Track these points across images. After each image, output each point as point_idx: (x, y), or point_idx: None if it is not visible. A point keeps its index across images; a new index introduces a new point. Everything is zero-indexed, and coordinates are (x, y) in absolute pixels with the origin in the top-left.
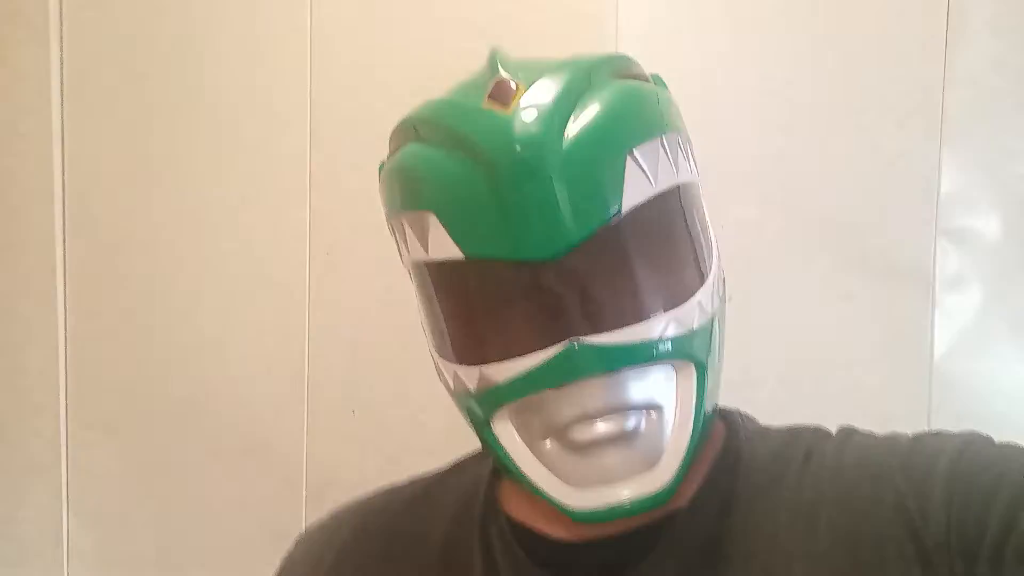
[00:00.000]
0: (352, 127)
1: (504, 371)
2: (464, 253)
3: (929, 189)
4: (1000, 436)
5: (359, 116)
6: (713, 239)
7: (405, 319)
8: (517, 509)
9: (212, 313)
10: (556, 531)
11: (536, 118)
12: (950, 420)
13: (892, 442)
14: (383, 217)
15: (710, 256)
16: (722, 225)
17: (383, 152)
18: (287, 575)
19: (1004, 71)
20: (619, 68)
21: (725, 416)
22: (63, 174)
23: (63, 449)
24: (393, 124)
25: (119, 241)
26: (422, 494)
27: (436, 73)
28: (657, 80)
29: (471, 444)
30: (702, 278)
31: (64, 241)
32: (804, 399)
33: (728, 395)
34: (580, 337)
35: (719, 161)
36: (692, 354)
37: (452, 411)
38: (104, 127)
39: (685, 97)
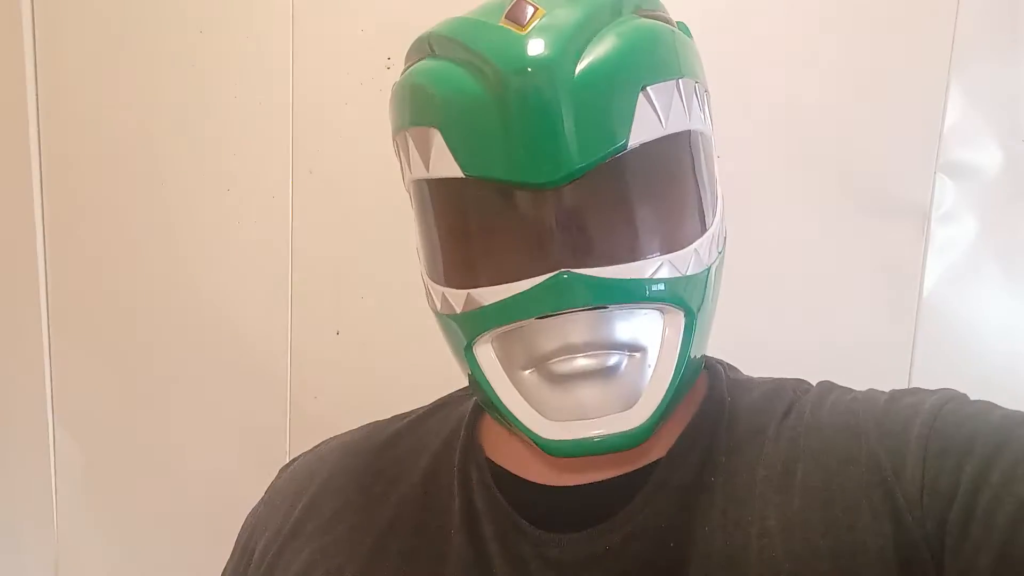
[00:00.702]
0: (335, 46)
1: (492, 295)
2: (464, 172)
3: (933, 121)
4: (982, 370)
5: (342, 35)
6: (720, 194)
7: (389, 239)
8: (496, 451)
9: (195, 230)
10: (534, 475)
11: (551, 41)
12: (934, 353)
13: (869, 400)
14: (365, 137)
15: (714, 209)
16: (717, 155)
17: (367, 72)
18: (268, 503)
19: (1018, 3)
20: (643, 6)
21: (709, 367)
22: (35, 87)
23: (46, 360)
24: (378, 45)
25: (100, 157)
26: (404, 432)
27: None
28: (683, 28)
29: (455, 367)
30: (703, 228)
31: (40, 157)
32: (790, 328)
33: (715, 325)
34: (571, 268)
35: (713, 87)
36: (683, 301)
37: (438, 334)
38: (79, 34)
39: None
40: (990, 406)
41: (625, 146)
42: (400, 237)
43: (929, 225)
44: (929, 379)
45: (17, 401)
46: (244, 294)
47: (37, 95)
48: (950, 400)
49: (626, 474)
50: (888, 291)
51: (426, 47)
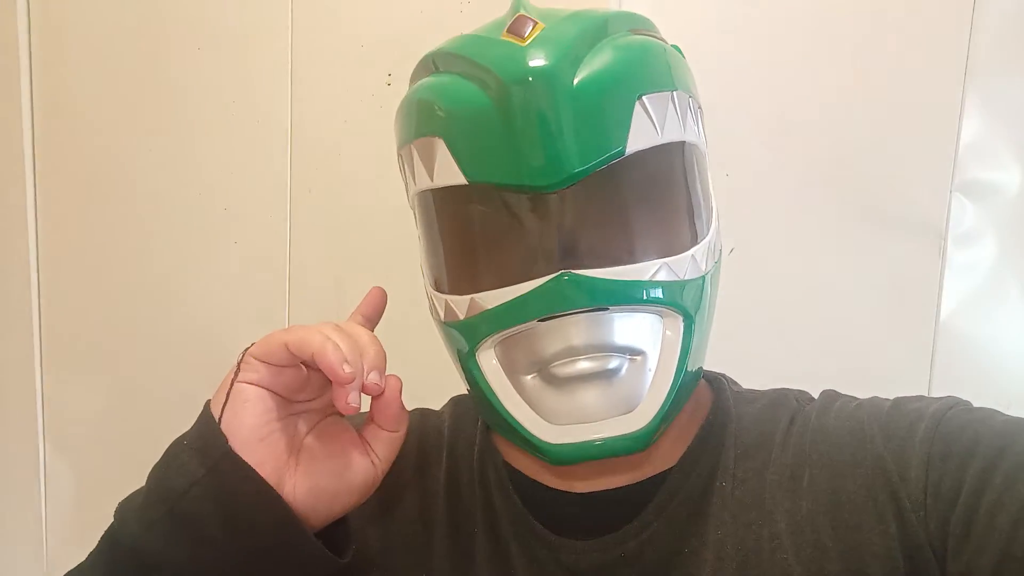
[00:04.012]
0: (335, 62)
1: (494, 298)
2: (467, 178)
3: (948, 140)
4: (1002, 397)
5: (342, 51)
6: (714, 208)
7: (389, 259)
8: (511, 454)
9: (191, 249)
10: (548, 480)
11: (550, 52)
12: (952, 380)
13: (873, 406)
14: (365, 155)
15: (709, 221)
16: (726, 173)
17: (367, 89)
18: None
19: None
20: (637, 26)
21: (711, 380)
22: (31, 103)
23: (38, 379)
24: (378, 61)
25: (96, 175)
26: (428, 427)
27: (421, 12)
28: (676, 49)
29: (454, 389)
30: (699, 236)
31: (35, 173)
32: (803, 353)
33: (728, 344)
34: (571, 270)
35: (726, 105)
36: (681, 304)
37: (433, 352)
38: (76, 51)
39: (695, 38)
40: (993, 412)
41: (623, 152)
42: (400, 257)
43: (946, 246)
44: None
45: (7, 420)
46: (241, 314)
47: (33, 112)
48: (954, 406)
49: (638, 483)
50: (904, 314)
51: (431, 65)
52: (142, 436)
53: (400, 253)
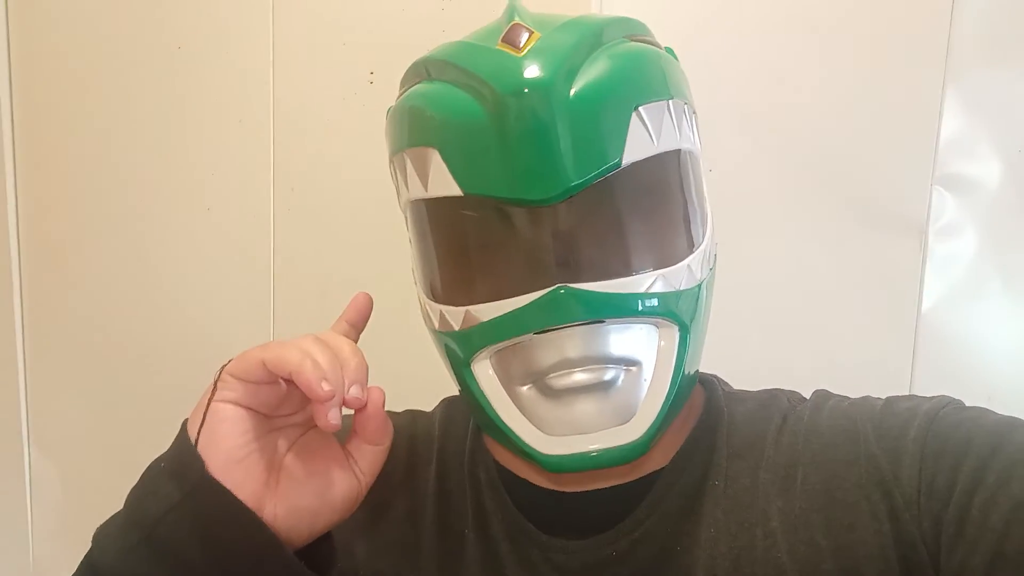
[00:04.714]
0: (317, 61)
1: (490, 311)
2: (462, 190)
3: (928, 133)
4: (983, 390)
5: (324, 50)
6: (709, 213)
7: (374, 258)
8: (502, 454)
9: (174, 249)
10: (539, 479)
11: (546, 63)
12: (933, 372)
13: (866, 405)
14: (348, 153)
15: (704, 227)
16: (709, 168)
17: (349, 87)
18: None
19: (1014, 13)
20: (632, 31)
21: (704, 381)
22: (11, 103)
23: (21, 379)
24: (360, 60)
25: (77, 175)
26: (417, 428)
27: (403, 11)
28: (670, 52)
29: (443, 391)
30: (694, 245)
31: (15, 174)
32: (786, 348)
33: (711, 340)
34: (567, 283)
35: (709, 100)
36: (676, 315)
37: (425, 357)
38: (56, 51)
39: (678, 35)
40: (985, 411)
41: (619, 164)
42: (385, 256)
43: (927, 240)
44: None
45: None
46: (225, 314)
47: (12, 111)
48: (946, 405)
49: (630, 482)
50: (886, 308)
51: (423, 71)
52: (127, 438)
53: (384, 250)
